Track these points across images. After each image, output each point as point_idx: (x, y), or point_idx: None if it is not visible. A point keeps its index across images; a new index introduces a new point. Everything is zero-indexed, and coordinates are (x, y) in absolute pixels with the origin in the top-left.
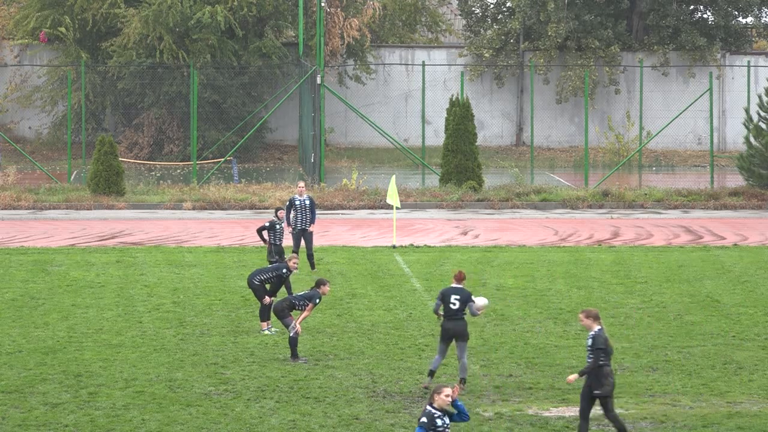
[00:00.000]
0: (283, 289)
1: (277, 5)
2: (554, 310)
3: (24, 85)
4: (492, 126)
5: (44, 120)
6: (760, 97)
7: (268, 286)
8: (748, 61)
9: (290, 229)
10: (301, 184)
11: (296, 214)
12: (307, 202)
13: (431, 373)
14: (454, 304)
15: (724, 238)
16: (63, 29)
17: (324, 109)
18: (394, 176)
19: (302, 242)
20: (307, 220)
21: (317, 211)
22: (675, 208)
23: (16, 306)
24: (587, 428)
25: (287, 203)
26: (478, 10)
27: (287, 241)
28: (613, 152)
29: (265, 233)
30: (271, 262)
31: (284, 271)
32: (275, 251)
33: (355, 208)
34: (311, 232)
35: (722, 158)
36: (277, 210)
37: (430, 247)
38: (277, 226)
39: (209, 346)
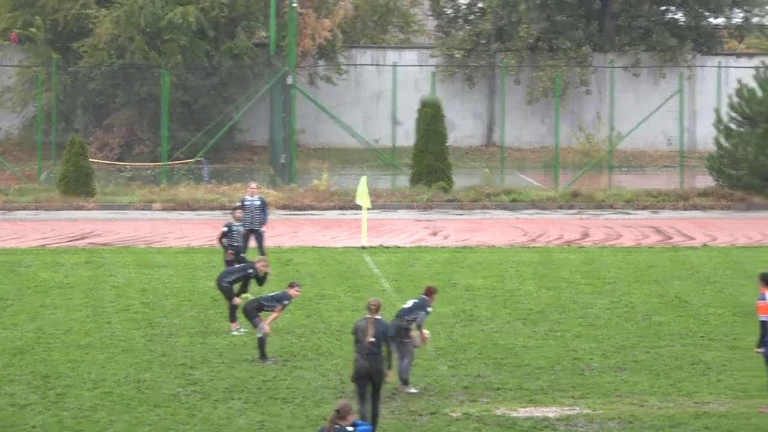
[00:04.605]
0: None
1: (249, 6)
2: (523, 310)
3: None
4: (463, 126)
5: (14, 121)
6: (730, 97)
7: (236, 287)
8: (719, 62)
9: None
10: (253, 185)
11: (245, 215)
12: (257, 202)
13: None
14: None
15: (694, 239)
16: (34, 30)
17: (295, 110)
18: (364, 177)
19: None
20: (257, 220)
21: (269, 212)
22: (644, 208)
23: None
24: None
25: (238, 204)
26: (449, 11)
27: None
28: (583, 153)
29: (225, 239)
30: (227, 263)
31: (250, 271)
32: (236, 252)
33: (326, 209)
34: (262, 233)
35: (692, 159)
36: (234, 209)
37: (399, 247)
38: (234, 228)
39: (178, 346)
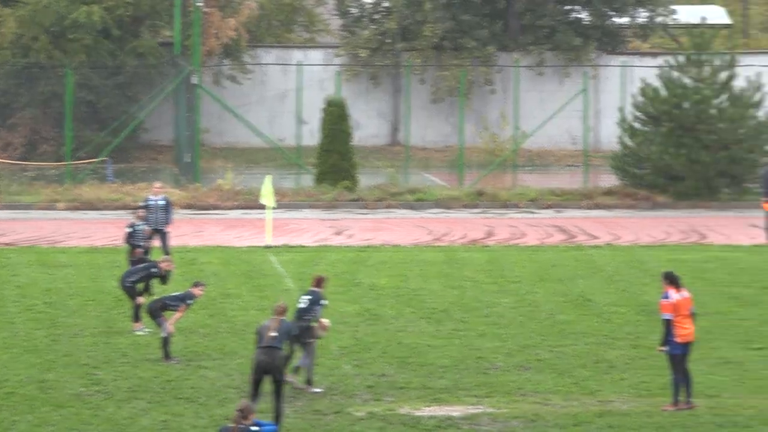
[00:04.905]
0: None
1: (154, 5)
2: (427, 309)
3: None
4: (368, 126)
5: None
6: (634, 97)
7: (140, 287)
8: (623, 61)
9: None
10: (158, 184)
11: (149, 214)
12: (162, 202)
13: (297, 370)
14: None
15: (597, 238)
16: None
17: (200, 109)
18: (269, 176)
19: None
20: (161, 220)
21: (174, 212)
22: (549, 207)
23: None
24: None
25: (142, 203)
26: (354, 10)
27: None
28: (488, 152)
29: (131, 239)
30: (132, 263)
31: (153, 270)
32: (143, 250)
33: (230, 208)
34: (166, 233)
35: (596, 158)
36: (137, 209)
37: (304, 247)
38: (137, 228)
39: (81, 346)
